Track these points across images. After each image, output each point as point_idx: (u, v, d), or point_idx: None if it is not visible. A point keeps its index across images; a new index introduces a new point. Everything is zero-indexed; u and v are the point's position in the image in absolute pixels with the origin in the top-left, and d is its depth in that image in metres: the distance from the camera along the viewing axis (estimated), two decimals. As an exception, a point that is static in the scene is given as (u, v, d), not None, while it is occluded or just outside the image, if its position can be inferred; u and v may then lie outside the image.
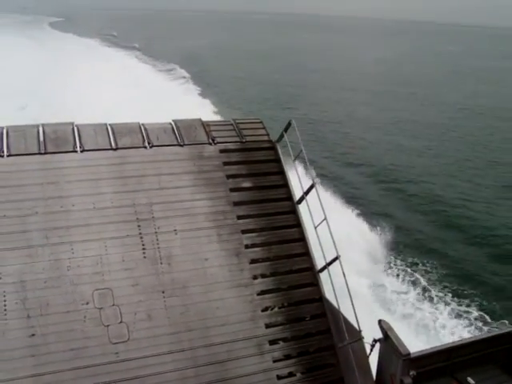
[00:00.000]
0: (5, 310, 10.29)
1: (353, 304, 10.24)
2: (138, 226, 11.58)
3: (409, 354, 9.91)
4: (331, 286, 11.06)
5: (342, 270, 10.59)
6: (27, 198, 11.38)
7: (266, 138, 13.80)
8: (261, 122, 14.25)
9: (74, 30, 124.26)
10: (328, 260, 11.37)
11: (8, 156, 11.92)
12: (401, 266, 27.78)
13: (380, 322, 10.34)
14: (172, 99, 38.96)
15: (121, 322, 10.67)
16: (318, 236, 11.74)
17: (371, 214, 32.83)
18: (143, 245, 11.43)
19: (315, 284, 12.04)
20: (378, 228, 30.63)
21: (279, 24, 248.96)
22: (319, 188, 12.44)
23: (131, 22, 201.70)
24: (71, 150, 12.34)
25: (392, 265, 27.79)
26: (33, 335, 10.19)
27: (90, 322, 10.56)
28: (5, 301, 10.35)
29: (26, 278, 10.62)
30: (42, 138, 12.40)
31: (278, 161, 13.39)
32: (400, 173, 40.35)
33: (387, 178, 39.57)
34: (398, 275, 26.95)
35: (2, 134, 12.30)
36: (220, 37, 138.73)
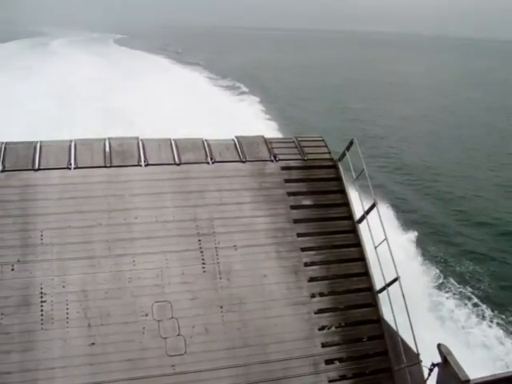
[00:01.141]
0: (67, 318, 10.60)
1: (411, 326, 10.07)
2: (199, 240, 11.75)
3: (468, 380, 9.59)
4: (390, 307, 10.90)
5: (402, 291, 10.44)
6: (92, 209, 11.73)
7: (327, 156, 13.80)
8: (323, 140, 14.27)
9: (138, 46, 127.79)
10: (387, 281, 11.21)
11: (75, 168, 12.36)
12: (464, 289, 26.92)
13: (439, 345, 10.06)
14: (234, 115, 39.37)
15: (178, 334, 10.81)
16: (377, 256, 11.59)
17: (433, 236, 32.05)
18: (203, 259, 11.58)
19: (373, 305, 11.90)
20: (441, 251, 29.88)
21: (347, 41, 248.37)
22: (380, 208, 12.30)
23: (195, 38, 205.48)
24: (136, 163, 12.69)
25: (454, 288, 26.99)
26: (92, 344, 10.43)
27: (149, 333, 10.74)
28: (67, 309, 10.66)
29: (88, 288, 10.91)
30: (108, 152, 12.79)
31: (339, 179, 13.33)
32: (470, 200, 38.77)
33: (455, 202, 38.21)
34: (459, 298, 26.11)
35: (71, 146, 12.76)
36: (281, 53, 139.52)
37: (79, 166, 12.43)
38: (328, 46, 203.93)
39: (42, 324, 10.46)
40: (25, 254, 11.03)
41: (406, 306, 10.31)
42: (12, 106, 40.81)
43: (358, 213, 12.74)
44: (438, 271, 28.15)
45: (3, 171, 12.07)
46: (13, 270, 10.85)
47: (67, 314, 10.62)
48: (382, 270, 11.38)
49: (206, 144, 13.37)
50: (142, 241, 11.56)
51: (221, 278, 11.45)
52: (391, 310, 10.87)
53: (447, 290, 26.73)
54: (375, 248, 11.66)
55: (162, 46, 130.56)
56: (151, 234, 11.65)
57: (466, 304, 25.72)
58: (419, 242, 29.09)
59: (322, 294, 11.74)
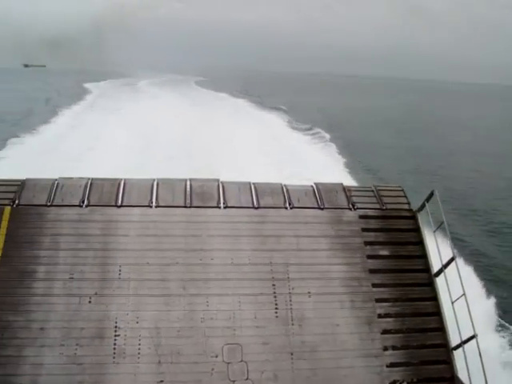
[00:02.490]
0: (138, 353, 10.77)
1: None
2: (273, 285, 11.75)
3: None
4: (465, 365, 10.51)
5: (479, 349, 10.09)
6: (170, 248, 12.00)
7: (406, 206, 13.58)
8: (402, 190, 14.07)
9: (219, 88, 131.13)
10: (464, 338, 10.83)
11: (156, 207, 12.73)
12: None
13: None
14: (313, 161, 39.49)
15: (247, 379, 10.75)
16: (454, 312, 11.25)
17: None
18: (276, 304, 11.55)
19: (448, 362, 11.47)
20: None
21: (420, 90, 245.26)
22: (459, 262, 12.00)
23: (277, 84, 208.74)
24: (215, 205, 12.94)
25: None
26: (161, 382, 10.53)
27: (217, 375, 10.74)
28: (139, 345, 10.84)
29: (161, 325, 11.08)
30: (188, 192, 13.11)
31: (417, 230, 13.08)
32: None
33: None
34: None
35: (153, 185, 13.17)
36: (360, 101, 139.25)
37: (160, 204, 12.81)
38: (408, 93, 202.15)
39: (114, 357, 10.67)
40: (102, 288, 11.36)
41: (482, 366, 9.95)
42: (99, 142, 42.61)
43: (435, 266, 12.44)
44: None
45: (88, 206, 12.60)
46: (90, 302, 11.17)
47: (139, 349, 10.81)
48: (458, 326, 11.05)
49: (284, 189, 13.48)
50: (216, 282, 11.68)
51: (293, 325, 11.37)
52: (466, 368, 10.49)
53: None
54: (452, 303, 11.37)
55: (243, 89, 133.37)
56: (226, 275, 11.77)
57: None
58: (499, 300, 27.88)
59: (395, 348, 11.46)
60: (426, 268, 12.57)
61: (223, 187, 13.36)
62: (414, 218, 13.32)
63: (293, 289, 11.74)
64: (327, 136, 56.42)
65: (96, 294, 11.29)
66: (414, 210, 13.41)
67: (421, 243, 12.88)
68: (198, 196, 13.09)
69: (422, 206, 13.11)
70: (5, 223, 12.06)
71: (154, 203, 12.82)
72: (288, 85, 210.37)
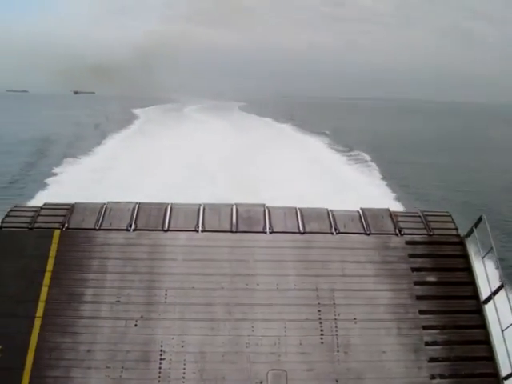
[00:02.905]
0: (183, 377, 10.80)
1: None
2: (319, 310, 11.68)
3: None
4: None
5: None
6: (216, 272, 12.07)
7: (454, 232, 13.36)
8: (449, 216, 13.86)
9: (263, 113, 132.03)
10: None
11: (202, 231, 12.87)
12: None
13: None
14: (358, 186, 39.28)
15: None
16: (504, 340, 10.98)
17: None
18: (322, 330, 11.46)
19: None
20: None
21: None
22: (509, 289, 11.75)
23: (318, 109, 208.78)
24: (261, 230, 13.00)
25: None
26: None
27: None
28: (184, 369, 10.86)
29: (206, 350, 11.09)
30: (234, 217, 13.20)
31: (465, 256, 12.82)
32: None
33: None
34: None
35: (199, 210, 13.33)
36: (403, 125, 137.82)
37: (206, 229, 12.95)
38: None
39: (158, 381, 10.74)
40: (148, 311, 11.48)
41: None
42: (147, 166, 43.30)
43: (484, 292, 12.16)
44: None
45: (135, 230, 12.83)
46: (136, 325, 11.30)
47: (184, 373, 10.83)
48: (508, 355, 10.77)
49: (330, 214, 13.47)
50: (262, 307, 11.67)
51: (338, 351, 11.25)
52: None
53: None
54: (502, 331, 11.08)
55: (288, 114, 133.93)
56: (271, 301, 11.75)
57: None
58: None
59: (442, 376, 11.19)
60: (475, 295, 12.29)
61: (269, 212, 13.43)
62: (461, 243, 13.10)
63: (338, 315, 11.64)
64: (369, 159, 55.96)
65: (142, 317, 11.42)
66: (462, 235, 13.20)
67: (469, 269, 12.63)
68: (244, 221, 13.19)
69: (470, 232, 12.89)
70: (54, 246, 12.34)
71: (200, 228, 12.96)
72: (331, 109, 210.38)
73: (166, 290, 11.76)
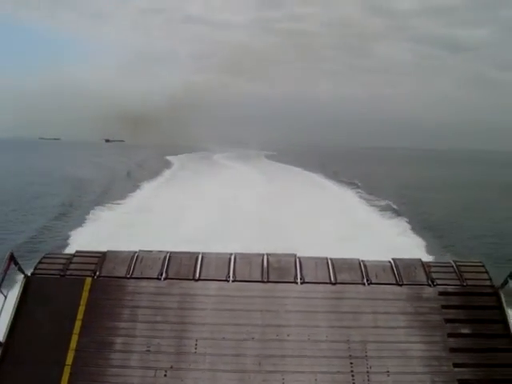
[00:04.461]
0: None
1: None
2: (351, 363, 11.48)
3: None
4: None
5: None
6: (246, 323, 12.00)
7: (488, 282, 13.13)
8: (483, 266, 13.65)
9: (291, 162, 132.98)
10: None
11: (233, 281, 12.87)
12: None
13: None
14: (388, 236, 38.99)
15: None
16: None
17: None
18: (354, 383, 11.27)
19: None
20: None
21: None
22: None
23: (348, 158, 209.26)
24: (292, 280, 12.95)
25: None
26: None
27: None
28: None
29: None
30: (265, 267, 13.20)
31: (500, 308, 12.58)
32: None
33: None
34: None
35: (230, 259, 13.34)
36: (434, 173, 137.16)
37: (237, 279, 12.94)
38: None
39: None
40: (178, 361, 11.40)
41: None
42: (179, 214, 43.62)
43: None
44: None
45: (166, 279, 12.88)
46: (165, 375, 11.22)
47: None
48: None
49: (362, 265, 13.39)
50: (293, 359, 11.52)
51: None
52: None
53: None
54: None
55: (318, 163, 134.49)
56: (303, 352, 11.61)
57: None
58: None
59: None
60: (511, 347, 12.01)
61: (300, 262, 13.40)
62: (496, 294, 12.86)
63: (371, 367, 11.43)
64: (400, 210, 55.59)
65: (172, 367, 11.35)
66: (496, 286, 12.98)
67: (504, 321, 12.37)
68: (275, 271, 13.17)
69: (505, 283, 12.68)
70: (85, 294, 12.44)
71: (231, 277, 12.96)
72: (361, 159, 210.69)
73: (197, 340, 11.72)
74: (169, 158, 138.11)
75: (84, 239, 35.00)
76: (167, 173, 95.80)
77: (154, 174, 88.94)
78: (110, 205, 52.80)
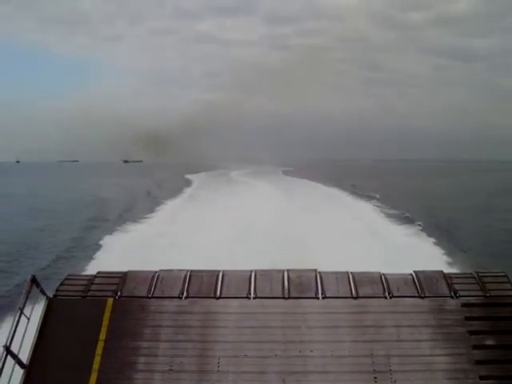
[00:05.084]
0: None
1: None
2: (375, 377, 11.37)
3: None
4: None
5: None
6: (268, 339, 11.95)
7: (511, 292, 12.95)
8: (506, 276, 13.42)
9: (307, 177, 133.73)
10: None
11: (254, 298, 12.81)
12: None
13: None
14: (410, 249, 38.66)
15: None
16: None
17: None
18: None
19: None
20: None
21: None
22: None
23: (366, 172, 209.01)
24: (313, 296, 12.87)
25: None
26: None
27: None
28: None
29: None
30: (286, 283, 13.13)
31: None
32: None
33: None
34: None
35: (251, 276, 13.30)
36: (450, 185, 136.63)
37: (258, 296, 12.87)
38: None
39: None
40: (201, 380, 11.38)
41: None
42: (199, 231, 43.80)
43: None
44: None
45: (187, 298, 12.87)
46: None
47: None
48: None
49: (383, 278, 13.27)
50: (316, 375, 11.45)
51: None
52: None
53: None
54: None
55: (333, 177, 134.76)
56: (326, 368, 11.51)
57: None
58: None
59: None
60: None
61: (321, 277, 13.33)
62: None
63: (395, 382, 11.31)
64: (419, 221, 55.24)
65: None
66: None
67: None
68: (296, 287, 13.10)
69: None
70: (107, 314, 12.46)
71: (252, 294, 12.91)
72: (378, 172, 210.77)
73: (219, 358, 11.67)
74: (188, 176, 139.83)
75: (105, 260, 35.27)
76: (188, 190, 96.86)
77: (173, 193, 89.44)
78: (130, 225, 53.09)
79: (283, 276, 13.41)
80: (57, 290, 13.11)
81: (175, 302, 12.83)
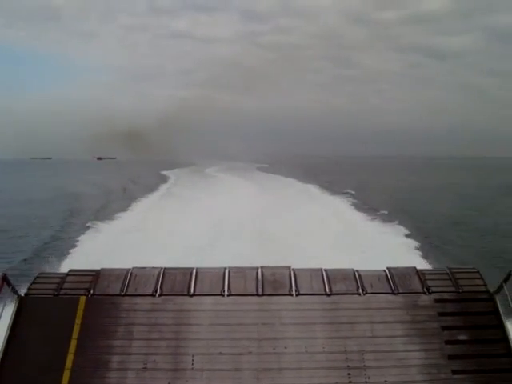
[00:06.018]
0: None
1: None
2: (348, 374, 11.44)
3: None
4: None
5: None
6: (242, 337, 11.96)
7: (483, 288, 13.15)
8: (478, 272, 13.68)
9: (279, 172, 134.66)
10: None
11: (228, 296, 12.83)
12: None
13: None
14: (383, 245, 38.90)
15: None
16: None
17: None
18: None
19: None
20: None
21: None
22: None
23: (342, 168, 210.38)
24: (287, 293, 12.93)
25: None
26: None
27: None
28: None
29: None
30: (260, 280, 13.19)
31: (496, 313, 12.57)
32: None
33: None
34: None
35: (225, 274, 13.32)
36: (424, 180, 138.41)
37: (232, 293, 12.91)
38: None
39: None
40: (175, 378, 11.35)
41: None
42: (172, 228, 43.52)
43: None
44: None
45: (160, 295, 12.84)
46: None
47: None
48: None
49: (356, 275, 13.38)
50: (290, 371, 11.49)
51: None
52: None
53: None
54: None
55: (309, 174, 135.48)
56: (300, 364, 11.57)
57: None
58: None
59: None
60: (508, 352, 11.97)
61: (295, 274, 13.39)
62: (492, 300, 12.87)
63: (369, 378, 11.40)
64: (393, 218, 55.70)
65: None
66: (492, 291, 13.00)
67: (501, 327, 12.37)
68: (270, 284, 13.15)
69: (500, 288, 12.69)
70: (80, 313, 12.38)
71: (225, 292, 12.94)
72: (349, 168, 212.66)
73: (193, 356, 11.66)
74: (164, 172, 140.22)
75: (77, 258, 34.83)
76: (163, 187, 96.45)
77: (147, 190, 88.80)
78: (103, 222, 52.47)
79: (257, 273, 13.44)
80: (28, 289, 12.98)
81: (148, 299, 12.77)
